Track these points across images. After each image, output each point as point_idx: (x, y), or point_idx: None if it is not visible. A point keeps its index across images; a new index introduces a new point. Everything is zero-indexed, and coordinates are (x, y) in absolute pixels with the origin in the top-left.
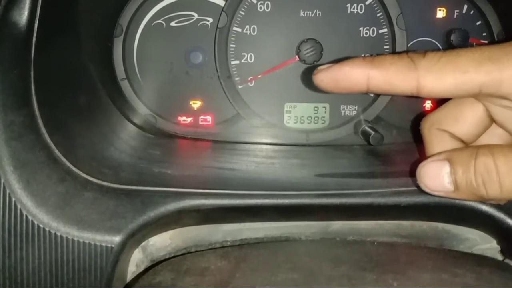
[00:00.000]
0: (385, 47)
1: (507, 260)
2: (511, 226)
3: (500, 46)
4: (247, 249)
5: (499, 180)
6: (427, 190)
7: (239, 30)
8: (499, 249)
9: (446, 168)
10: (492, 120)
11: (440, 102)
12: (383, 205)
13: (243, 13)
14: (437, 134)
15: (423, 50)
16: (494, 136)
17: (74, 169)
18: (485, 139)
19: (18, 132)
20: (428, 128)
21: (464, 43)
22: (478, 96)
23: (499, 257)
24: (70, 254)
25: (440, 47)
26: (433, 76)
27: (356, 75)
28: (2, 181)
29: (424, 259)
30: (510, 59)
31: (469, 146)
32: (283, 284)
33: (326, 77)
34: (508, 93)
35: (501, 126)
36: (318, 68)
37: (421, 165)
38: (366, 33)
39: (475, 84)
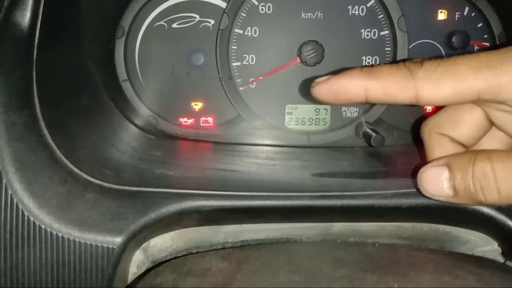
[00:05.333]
0: (386, 49)
1: (508, 262)
2: None
3: (497, 53)
4: (248, 250)
5: (496, 186)
6: (427, 195)
7: (241, 31)
8: (500, 251)
9: (445, 174)
10: (491, 123)
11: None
12: (384, 206)
13: (244, 15)
14: (437, 138)
15: (421, 58)
16: (495, 139)
17: (76, 170)
18: (485, 142)
19: (20, 133)
20: (428, 132)
21: (465, 45)
22: (477, 102)
23: (501, 259)
24: (72, 255)
25: (442, 49)
26: (431, 85)
27: (354, 87)
28: (4, 182)
29: (425, 261)
30: (508, 65)
31: (468, 151)
32: (284, 286)
33: (324, 89)
34: (506, 99)
35: (501, 129)
36: (316, 80)
37: (421, 170)
38: (367, 35)
39: (474, 92)
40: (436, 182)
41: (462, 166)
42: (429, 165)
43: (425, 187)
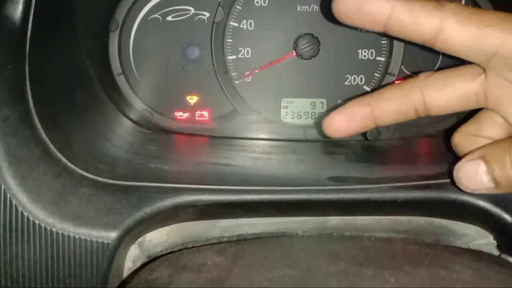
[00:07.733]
0: (382, 42)
1: (503, 256)
2: (507, 221)
3: None
4: (244, 245)
5: None
6: (469, 191)
7: (236, 24)
8: (496, 244)
9: (482, 167)
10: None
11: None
12: (380, 200)
13: (240, 8)
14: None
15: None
16: None
17: (70, 165)
18: None
19: (13, 127)
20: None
21: None
22: (490, 62)
23: (496, 252)
24: (66, 251)
25: None
26: (457, 20)
27: (380, 4)
28: None
29: (421, 255)
30: None
31: (499, 140)
32: (280, 280)
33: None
34: None
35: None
36: None
37: (456, 167)
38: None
39: (495, 42)
40: (475, 177)
41: (498, 156)
42: (463, 160)
43: (465, 184)
